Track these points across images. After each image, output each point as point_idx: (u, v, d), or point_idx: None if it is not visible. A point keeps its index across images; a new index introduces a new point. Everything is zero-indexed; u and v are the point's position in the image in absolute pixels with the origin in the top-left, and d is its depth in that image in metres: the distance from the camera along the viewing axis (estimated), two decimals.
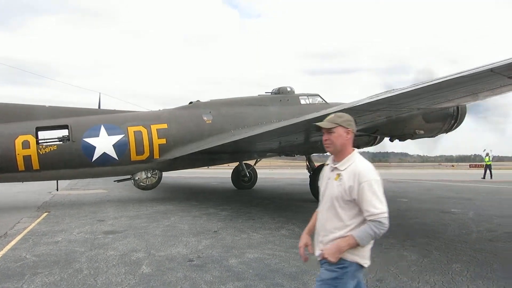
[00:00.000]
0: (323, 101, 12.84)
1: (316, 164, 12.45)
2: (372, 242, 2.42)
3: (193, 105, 12.35)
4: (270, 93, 13.13)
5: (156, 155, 11.05)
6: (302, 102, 12.65)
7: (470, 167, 53.04)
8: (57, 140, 10.58)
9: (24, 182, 11.36)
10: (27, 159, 9.94)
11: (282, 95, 12.80)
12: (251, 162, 15.73)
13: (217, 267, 4.79)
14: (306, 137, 9.69)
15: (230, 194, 13.80)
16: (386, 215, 2.32)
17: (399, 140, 10.42)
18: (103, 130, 10.66)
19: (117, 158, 10.61)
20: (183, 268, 4.76)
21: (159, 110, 12.67)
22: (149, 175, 11.19)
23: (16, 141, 9.95)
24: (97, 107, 13.55)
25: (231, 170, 16.32)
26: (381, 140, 12.48)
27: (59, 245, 6.03)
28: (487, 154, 24.99)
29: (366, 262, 2.42)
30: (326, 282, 2.36)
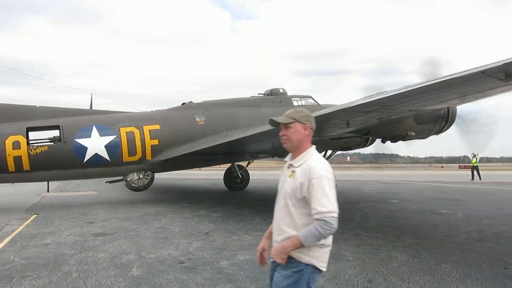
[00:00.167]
0: (316, 103, 12.91)
1: None
2: (328, 243, 2.30)
3: (186, 106, 12.33)
4: (262, 95, 13.17)
5: (149, 156, 11.01)
6: (295, 103, 12.71)
7: (459, 168, 53.62)
8: (48, 140, 10.50)
9: (14, 184, 11.23)
10: (17, 159, 9.84)
11: (275, 96, 12.85)
12: (244, 164, 15.73)
13: (208, 269, 4.77)
14: None
15: (222, 196, 13.77)
16: (334, 215, 2.17)
17: (391, 142, 10.52)
18: (95, 131, 10.59)
19: (109, 159, 10.54)
20: (174, 270, 4.73)
21: (152, 111, 12.63)
22: (141, 176, 11.14)
23: (6, 141, 9.84)
24: (88, 108, 13.45)
25: (223, 172, 16.30)
26: (373, 141, 12.58)
27: (48, 248, 5.96)
28: (474, 156, 24.73)
29: (323, 266, 2.29)
30: None
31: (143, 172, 11.15)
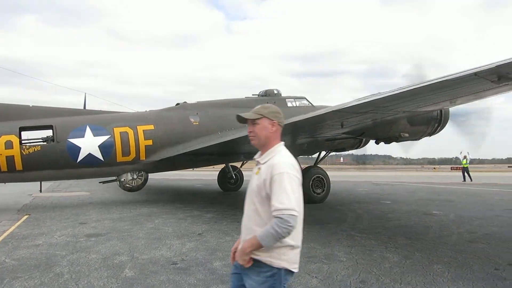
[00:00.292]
0: (310, 104, 12.95)
1: (303, 166, 12.54)
2: (298, 245, 2.21)
3: (180, 107, 12.29)
4: (257, 96, 13.17)
5: (143, 156, 10.96)
6: (289, 104, 12.73)
7: (451, 169, 54.10)
8: (41, 140, 10.41)
9: (6, 184, 11.11)
10: (10, 159, 9.75)
11: (269, 97, 12.84)
12: (237, 164, 15.72)
13: (201, 270, 4.76)
14: (292, 139, 9.74)
15: (216, 196, 13.75)
16: (293, 213, 2.05)
17: (385, 143, 10.58)
18: (88, 131, 10.52)
19: (102, 159, 10.48)
20: (167, 271, 4.72)
21: (146, 111, 12.57)
22: (135, 176, 11.08)
23: None
24: (82, 108, 13.36)
25: (217, 172, 16.27)
26: (367, 142, 12.65)
27: (40, 249, 5.91)
28: (465, 157, 24.67)
29: (295, 267, 2.22)
30: None
31: (137, 173, 11.10)
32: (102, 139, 10.56)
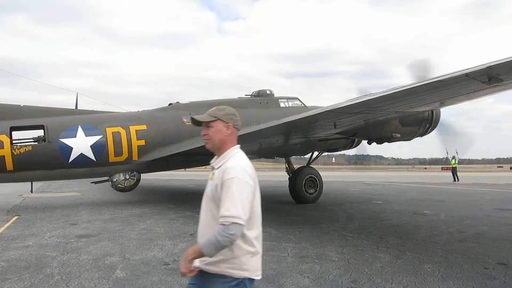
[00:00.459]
0: (302, 104, 12.98)
1: (296, 166, 12.57)
2: (258, 251, 2.11)
3: (173, 107, 12.24)
4: (250, 96, 13.17)
5: (135, 156, 10.89)
6: (282, 105, 12.74)
7: (442, 169, 54.67)
8: (32, 140, 10.28)
9: None
10: (0, 160, 9.62)
11: (262, 97, 12.86)
12: None
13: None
14: (285, 139, 9.77)
15: None
16: (237, 221, 1.93)
17: (377, 143, 10.65)
18: (80, 131, 10.42)
19: (94, 159, 10.39)
20: (159, 272, 4.70)
21: (138, 111, 12.49)
22: (127, 176, 11.02)
23: None
24: (74, 107, 13.25)
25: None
26: (359, 143, 12.71)
27: (30, 250, 5.84)
28: (453, 157, 24.70)
29: (258, 275, 2.12)
30: None
31: (129, 173, 11.03)
32: (94, 139, 10.48)
